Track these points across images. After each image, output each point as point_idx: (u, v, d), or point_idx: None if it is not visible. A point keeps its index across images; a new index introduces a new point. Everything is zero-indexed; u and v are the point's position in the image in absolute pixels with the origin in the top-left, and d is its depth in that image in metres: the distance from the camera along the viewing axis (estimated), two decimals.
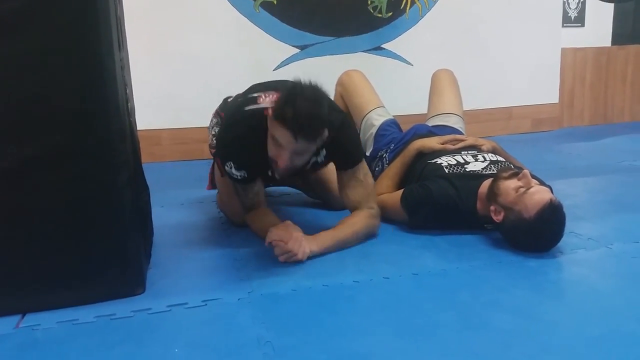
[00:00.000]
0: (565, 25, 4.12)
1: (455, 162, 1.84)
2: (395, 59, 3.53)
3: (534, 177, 1.61)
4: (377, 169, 2.18)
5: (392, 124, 2.28)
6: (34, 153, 1.19)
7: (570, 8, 4.21)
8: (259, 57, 3.18)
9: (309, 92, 1.42)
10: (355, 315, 1.25)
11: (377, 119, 2.28)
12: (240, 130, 1.60)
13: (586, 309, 1.24)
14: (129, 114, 1.40)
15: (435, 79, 2.46)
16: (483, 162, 1.83)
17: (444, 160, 1.85)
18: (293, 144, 1.42)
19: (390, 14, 3.47)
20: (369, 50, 3.46)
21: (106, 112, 1.23)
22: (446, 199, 1.69)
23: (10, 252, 1.23)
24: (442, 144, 1.96)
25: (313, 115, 1.39)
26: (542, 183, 1.63)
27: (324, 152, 1.66)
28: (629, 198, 2.16)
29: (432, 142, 1.97)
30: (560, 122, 4.16)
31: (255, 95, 1.65)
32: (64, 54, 1.18)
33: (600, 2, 3.63)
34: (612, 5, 4.24)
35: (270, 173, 1.67)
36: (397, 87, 3.27)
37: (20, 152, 1.18)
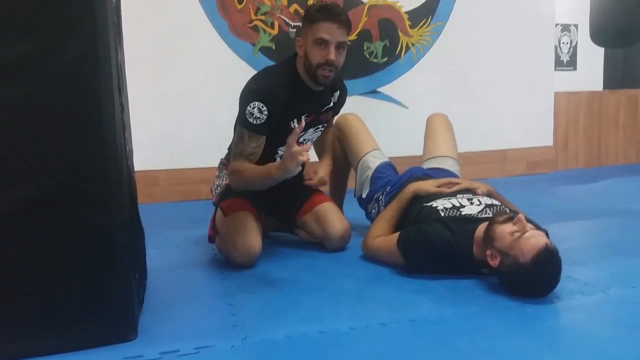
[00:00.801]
0: (557, 68, 4.22)
1: (450, 205, 1.84)
2: (390, 102, 3.59)
3: (529, 221, 1.61)
4: (373, 211, 2.18)
5: (387, 167, 2.29)
6: (27, 196, 1.18)
7: (562, 52, 4.31)
8: None
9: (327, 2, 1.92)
10: None
11: (373, 161, 2.29)
12: (273, 73, 1.92)
13: (583, 357, 1.23)
14: (127, 157, 1.41)
15: (430, 122, 2.50)
16: (478, 205, 1.84)
17: (439, 204, 1.86)
18: (336, 31, 1.78)
19: (385, 59, 3.56)
20: (365, 93, 3.53)
21: (103, 156, 1.24)
22: (442, 242, 1.69)
23: None
24: (438, 187, 1.97)
25: (340, 8, 1.86)
26: (537, 227, 1.63)
27: (337, 94, 2.07)
28: (625, 242, 2.15)
29: (428, 185, 1.98)
30: (555, 164, 4.21)
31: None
32: (64, 98, 1.19)
33: (592, 45, 3.71)
34: (602, 50, 4.33)
35: (293, 124, 1.86)
36: (392, 130, 3.31)
37: (13, 195, 1.18)
